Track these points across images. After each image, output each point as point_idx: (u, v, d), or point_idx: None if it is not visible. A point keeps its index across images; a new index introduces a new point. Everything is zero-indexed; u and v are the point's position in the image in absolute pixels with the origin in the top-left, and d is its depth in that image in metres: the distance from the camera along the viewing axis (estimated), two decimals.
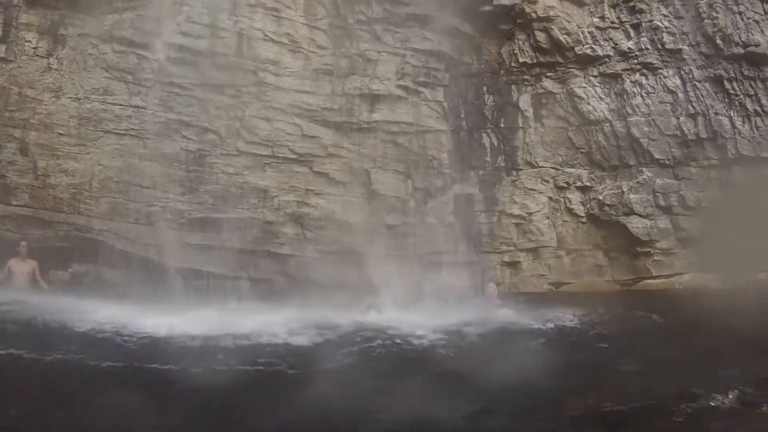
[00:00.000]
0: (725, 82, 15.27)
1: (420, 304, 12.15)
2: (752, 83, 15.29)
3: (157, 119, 12.95)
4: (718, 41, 15.14)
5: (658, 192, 15.01)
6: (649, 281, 15.10)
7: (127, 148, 12.86)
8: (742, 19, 15.20)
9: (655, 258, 15.03)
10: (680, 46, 15.16)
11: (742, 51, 15.11)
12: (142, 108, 12.95)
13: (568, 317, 11.34)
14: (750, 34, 15.04)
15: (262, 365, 7.61)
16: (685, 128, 15.11)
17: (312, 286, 13.15)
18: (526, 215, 14.80)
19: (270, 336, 9.22)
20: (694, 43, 15.24)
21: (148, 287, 11.55)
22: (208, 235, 12.99)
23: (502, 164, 14.95)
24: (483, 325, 10.39)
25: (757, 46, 15.13)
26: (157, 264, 12.58)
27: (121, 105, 12.97)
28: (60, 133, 12.80)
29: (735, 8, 15.02)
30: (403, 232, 14.08)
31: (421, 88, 14.52)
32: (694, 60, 15.25)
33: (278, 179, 13.55)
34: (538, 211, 14.87)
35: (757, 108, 15.26)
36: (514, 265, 14.74)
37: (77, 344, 8.07)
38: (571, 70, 15.13)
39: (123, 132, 12.93)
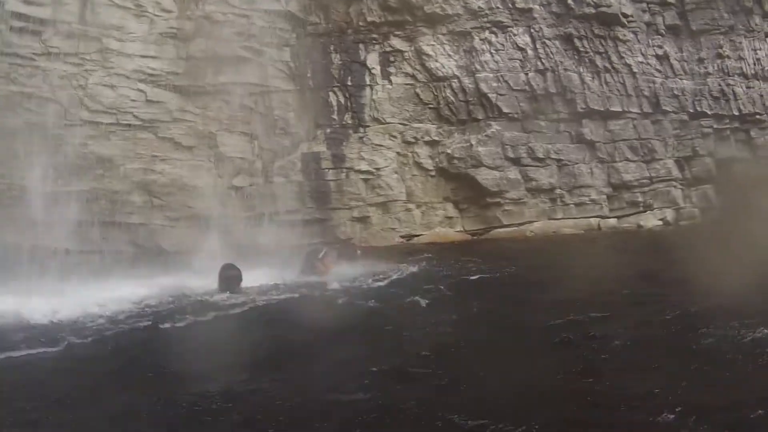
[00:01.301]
0: (575, 40, 16.14)
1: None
2: (602, 41, 16.22)
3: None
4: (570, 1, 15.87)
5: (507, 144, 15.94)
6: (500, 230, 16.20)
7: None
8: None
9: (505, 208, 16.11)
10: (531, 6, 15.92)
11: (593, 11, 15.97)
12: None
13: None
14: None
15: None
16: (534, 83, 15.99)
17: (163, 254, 13.79)
18: (374, 171, 15.68)
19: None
20: (545, 3, 15.98)
21: None
22: (55, 210, 13.13)
23: (350, 122, 15.71)
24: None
25: (608, 6, 15.95)
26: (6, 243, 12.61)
27: None
28: None
29: None
30: (251, 194, 14.80)
31: (267, 49, 14.94)
32: (545, 19, 16.06)
33: (123, 147, 13.97)
34: (387, 167, 15.77)
35: (607, 65, 16.21)
36: (363, 220, 15.65)
37: None
38: (419, 28, 15.82)
39: None
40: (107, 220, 13.78)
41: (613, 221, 16.95)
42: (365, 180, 15.71)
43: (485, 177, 15.90)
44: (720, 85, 17.71)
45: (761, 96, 18.18)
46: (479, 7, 15.81)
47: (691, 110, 17.54)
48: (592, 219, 16.77)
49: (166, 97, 14.40)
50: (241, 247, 13.57)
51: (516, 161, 16.09)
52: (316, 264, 12.27)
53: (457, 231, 16.31)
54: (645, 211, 17.29)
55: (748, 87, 18.13)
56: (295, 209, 15.04)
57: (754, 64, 18.27)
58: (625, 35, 16.73)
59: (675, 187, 17.46)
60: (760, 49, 18.30)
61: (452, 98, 15.95)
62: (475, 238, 16.29)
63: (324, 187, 15.38)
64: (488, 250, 14.47)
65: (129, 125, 14.11)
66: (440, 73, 15.84)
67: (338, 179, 15.52)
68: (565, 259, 11.75)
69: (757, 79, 18.27)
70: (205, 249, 13.67)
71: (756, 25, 18.34)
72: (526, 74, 16.07)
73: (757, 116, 18.29)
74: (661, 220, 17.35)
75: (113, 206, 13.85)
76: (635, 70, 16.82)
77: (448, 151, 15.95)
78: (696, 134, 17.66)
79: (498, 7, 15.89)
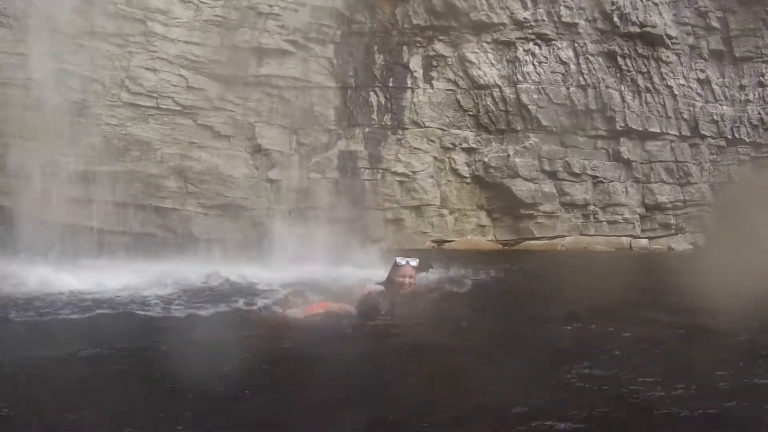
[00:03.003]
0: (618, 58, 16.61)
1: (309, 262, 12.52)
2: (645, 61, 16.67)
3: (43, 68, 13.41)
4: (615, 19, 16.46)
5: (544, 157, 16.36)
6: (531, 242, 16.60)
7: (9, 98, 13.37)
8: (641, 0, 16.35)
9: (538, 220, 16.51)
10: (576, 20, 16.40)
11: (638, 30, 16.49)
12: (26, 56, 13.44)
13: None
14: (648, 15, 16.43)
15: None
16: (574, 98, 16.44)
17: (194, 240, 14.22)
18: (410, 174, 16.13)
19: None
20: (590, 19, 16.55)
21: (27, 242, 12.39)
22: (89, 189, 13.68)
23: (389, 123, 16.18)
24: None
25: (653, 27, 16.44)
26: (36, 219, 13.05)
27: (5, 53, 13.44)
28: None
29: None
30: (287, 187, 15.21)
31: (311, 44, 15.45)
32: (589, 35, 16.56)
33: (161, 131, 14.47)
34: (423, 170, 16.22)
35: (648, 85, 16.64)
36: (396, 222, 16.09)
37: None
38: (464, 35, 16.32)
39: (5, 81, 13.43)
40: (141, 202, 14.26)
41: (644, 241, 17.32)
42: (401, 182, 16.13)
43: (520, 188, 16.30)
44: (760, 113, 18.12)
45: None
46: (525, 18, 16.30)
47: (729, 136, 17.94)
48: (623, 238, 17.14)
49: (207, 84, 14.85)
50: (274, 241, 14.04)
51: (552, 175, 16.49)
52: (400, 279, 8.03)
53: (489, 240, 16.70)
54: (677, 234, 17.63)
55: None
56: (329, 206, 15.42)
57: None
58: (668, 57, 17.18)
59: (708, 212, 17.82)
60: None
61: (492, 107, 16.39)
62: (506, 248, 16.64)
63: (359, 187, 15.80)
64: (522, 261, 14.69)
65: (168, 110, 14.59)
66: (482, 81, 16.30)
67: (374, 179, 15.95)
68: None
69: None
70: (236, 239, 14.12)
71: None
72: (568, 88, 16.52)
73: None
74: (691, 244, 17.69)
75: (148, 189, 14.34)
76: (676, 92, 17.25)
77: (485, 159, 16.36)
78: (732, 161, 18.06)
79: (543, 20, 16.39)
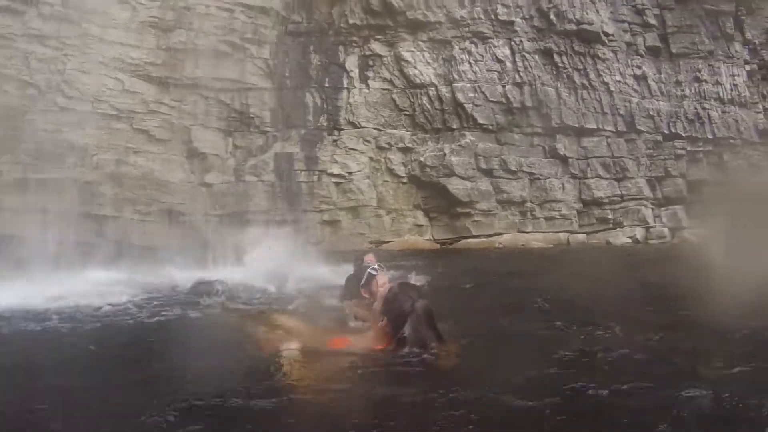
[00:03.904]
0: (555, 56, 17.11)
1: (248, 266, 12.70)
2: (581, 59, 17.20)
3: None
4: (552, 17, 16.92)
5: (480, 155, 16.89)
6: (469, 240, 17.16)
7: None
8: None
9: (475, 219, 17.04)
10: (513, 18, 16.85)
11: (574, 28, 16.92)
12: None
13: None
14: (584, 13, 16.92)
15: None
16: (510, 96, 16.93)
17: (133, 248, 14.30)
18: (346, 175, 16.55)
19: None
20: (527, 17, 16.99)
21: None
22: (25, 198, 13.73)
23: (325, 124, 16.60)
24: None
25: (590, 24, 16.92)
26: None
27: None
28: None
29: None
30: (222, 191, 15.55)
31: (247, 45, 15.71)
32: (526, 32, 17.05)
33: (97, 136, 14.61)
34: (359, 171, 16.66)
35: (584, 82, 17.19)
36: (333, 224, 16.52)
37: None
38: (400, 34, 16.72)
39: None
40: (78, 210, 14.31)
41: (582, 237, 17.97)
42: (337, 184, 16.57)
43: (456, 187, 16.82)
44: (696, 108, 18.78)
45: (736, 121, 19.28)
46: (461, 16, 16.76)
47: (666, 131, 18.58)
48: (561, 234, 17.76)
49: (144, 87, 15.07)
50: (209, 246, 14.40)
51: (488, 172, 17.04)
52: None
53: (426, 239, 17.22)
54: (614, 229, 18.29)
55: (723, 112, 19.22)
56: (265, 209, 15.78)
57: (731, 90, 19.38)
58: (604, 54, 17.74)
59: (645, 206, 18.49)
60: (738, 75, 19.42)
61: (428, 106, 16.88)
62: (443, 247, 17.19)
63: (295, 189, 16.16)
64: (459, 259, 15.06)
65: (105, 114, 14.72)
66: (418, 81, 16.75)
67: (310, 181, 16.34)
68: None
69: (733, 105, 19.37)
70: (174, 245, 14.41)
71: (735, 51, 19.48)
72: (504, 86, 17.04)
73: (731, 140, 19.38)
74: (630, 237, 18.37)
75: (84, 197, 14.44)
76: (612, 88, 17.84)
77: (421, 159, 16.85)
78: (669, 155, 18.71)
79: (480, 18, 16.86)
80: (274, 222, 15.57)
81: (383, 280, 6.08)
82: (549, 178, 17.54)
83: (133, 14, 14.95)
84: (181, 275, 11.54)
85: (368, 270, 6.49)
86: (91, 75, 14.70)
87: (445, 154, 16.79)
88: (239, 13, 15.69)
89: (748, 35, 19.53)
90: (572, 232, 17.93)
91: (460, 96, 16.80)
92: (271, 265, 12.44)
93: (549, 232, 17.70)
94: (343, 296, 7.27)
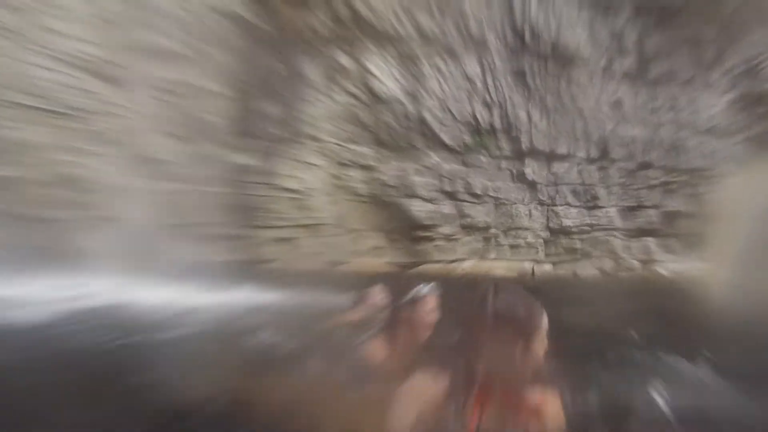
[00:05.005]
0: (527, 77, 16.71)
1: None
2: (555, 81, 16.81)
3: None
4: (527, 36, 16.54)
5: (445, 177, 16.53)
6: (429, 265, 16.79)
7: None
8: (554, 18, 16.52)
9: (437, 243, 16.67)
10: (486, 36, 16.45)
11: (549, 50, 16.54)
12: None
13: None
14: (561, 33, 16.53)
15: None
16: (479, 116, 16.55)
17: (80, 253, 14.09)
18: (304, 190, 16.11)
19: None
20: (501, 36, 16.55)
21: None
22: None
23: (284, 136, 16.13)
24: None
25: (566, 46, 16.60)
26: None
27: None
28: None
29: (549, 7, 16.49)
30: (172, 200, 15.08)
31: (207, 48, 15.31)
32: (499, 51, 16.59)
33: (44, 134, 14.12)
34: (318, 188, 16.22)
35: (558, 105, 16.83)
36: (289, 241, 16.06)
37: None
38: (368, 46, 16.30)
39: None
40: (18, 212, 13.98)
41: (548, 267, 17.64)
42: (293, 200, 16.11)
43: (419, 209, 16.46)
44: (672, 137, 18.52)
45: (712, 152, 19.05)
46: (432, 31, 16.35)
47: (640, 160, 18.31)
48: (526, 262, 17.42)
49: (96, 86, 14.54)
50: (160, 257, 13.99)
51: (452, 195, 16.68)
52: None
53: (385, 262, 16.81)
54: (582, 259, 17.99)
55: (700, 142, 18.98)
56: (216, 222, 15.33)
57: (709, 119, 19.14)
58: (579, 77, 17.44)
59: (615, 236, 18.20)
60: (716, 106, 19.18)
61: (393, 123, 16.47)
62: (403, 271, 16.80)
63: (249, 202, 15.69)
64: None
65: (53, 112, 14.24)
66: (384, 96, 16.36)
67: (265, 195, 15.87)
68: None
69: (710, 135, 19.14)
70: (121, 253, 14.04)
71: (714, 80, 19.25)
72: (473, 106, 16.67)
73: (707, 172, 19.15)
74: (598, 269, 18.06)
75: (25, 198, 14.05)
76: (586, 113, 17.54)
77: (383, 177, 16.45)
78: (642, 185, 18.44)
79: (452, 34, 16.46)
80: (228, 236, 15.14)
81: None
82: (515, 203, 17.20)
83: (91, 6, 14.44)
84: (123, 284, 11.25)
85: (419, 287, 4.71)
86: (43, 70, 14.19)
87: (407, 174, 16.40)
88: (201, 14, 15.25)
89: (729, 64, 19.30)
90: (538, 262, 17.59)
91: (426, 114, 16.44)
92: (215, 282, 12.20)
93: (513, 260, 17.35)
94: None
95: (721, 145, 19.13)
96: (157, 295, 11.38)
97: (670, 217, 18.59)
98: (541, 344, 2.95)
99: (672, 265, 18.46)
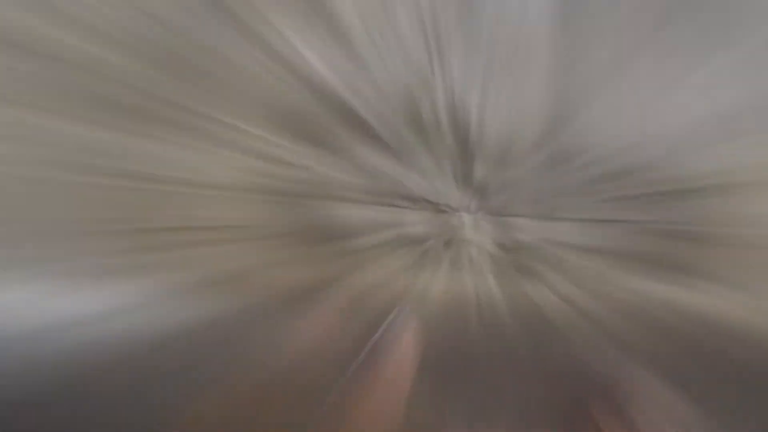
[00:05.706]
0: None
1: None
2: None
3: None
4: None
5: (377, 178, 14.42)
6: (357, 280, 14.70)
7: None
8: None
9: (366, 254, 14.56)
10: None
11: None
12: None
13: None
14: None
15: None
16: (421, 108, 14.45)
17: None
18: (209, 187, 13.99)
19: None
20: None
21: None
22: None
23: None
24: None
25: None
26: None
27: None
28: None
29: None
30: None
31: None
32: None
33: None
34: (227, 185, 14.10)
35: None
36: (193, 246, 13.97)
37: None
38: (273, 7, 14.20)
39: None
40: None
41: (494, 287, 15.58)
42: (196, 196, 13.96)
43: (345, 214, 14.28)
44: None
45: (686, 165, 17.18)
46: None
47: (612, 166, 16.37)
48: (468, 281, 15.35)
49: None
50: None
51: (384, 199, 14.53)
52: None
53: (304, 275, 14.66)
54: (535, 279, 15.96)
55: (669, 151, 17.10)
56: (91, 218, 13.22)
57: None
58: None
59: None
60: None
61: (318, 111, 14.33)
62: (323, 285, 14.69)
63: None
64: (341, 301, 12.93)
65: None
66: (309, 79, 14.22)
67: (162, 190, 13.75)
68: None
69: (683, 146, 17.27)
70: None
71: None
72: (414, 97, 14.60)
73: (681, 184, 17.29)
74: (552, 291, 16.09)
75: None
76: None
77: (303, 175, 14.27)
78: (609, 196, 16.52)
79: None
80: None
81: None
82: (459, 211, 15.06)
83: None
84: None
85: None
86: None
87: (333, 173, 14.21)
88: None
89: None
90: (482, 281, 15.50)
91: (357, 103, 14.25)
92: None
93: (452, 278, 15.25)
94: None
95: (695, 157, 17.22)
96: None
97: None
98: None
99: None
